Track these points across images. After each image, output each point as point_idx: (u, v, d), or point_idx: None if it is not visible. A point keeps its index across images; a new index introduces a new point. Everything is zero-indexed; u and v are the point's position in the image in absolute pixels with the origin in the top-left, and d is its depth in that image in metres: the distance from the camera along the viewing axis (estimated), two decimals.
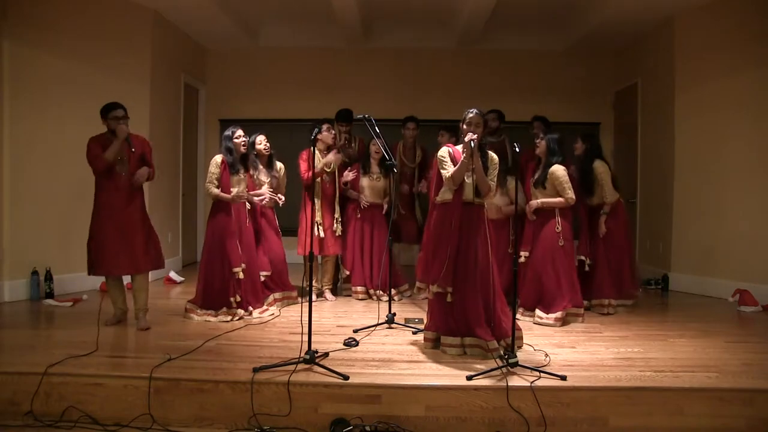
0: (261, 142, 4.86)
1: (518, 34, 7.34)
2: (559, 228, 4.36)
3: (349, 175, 5.18)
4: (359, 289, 5.22)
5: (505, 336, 3.48)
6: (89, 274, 4.08)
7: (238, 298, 4.36)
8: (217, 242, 4.35)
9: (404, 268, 6.21)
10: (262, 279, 4.70)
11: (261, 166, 4.87)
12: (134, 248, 4.03)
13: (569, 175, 4.44)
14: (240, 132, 4.47)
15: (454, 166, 3.50)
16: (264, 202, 4.68)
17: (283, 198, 4.84)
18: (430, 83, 7.50)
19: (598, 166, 4.78)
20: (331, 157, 5.04)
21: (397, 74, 7.54)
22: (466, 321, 3.49)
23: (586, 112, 7.47)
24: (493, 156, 3.64)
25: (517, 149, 3.41)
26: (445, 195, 3.58)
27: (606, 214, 4.75)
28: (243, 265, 4.37)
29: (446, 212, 3.56)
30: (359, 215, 5.24)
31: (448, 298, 3.51)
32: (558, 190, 4.36)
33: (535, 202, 4.46)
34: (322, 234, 5.07)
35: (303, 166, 5.06)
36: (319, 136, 4.93)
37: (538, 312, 4.36)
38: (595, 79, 7.52)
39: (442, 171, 3.56)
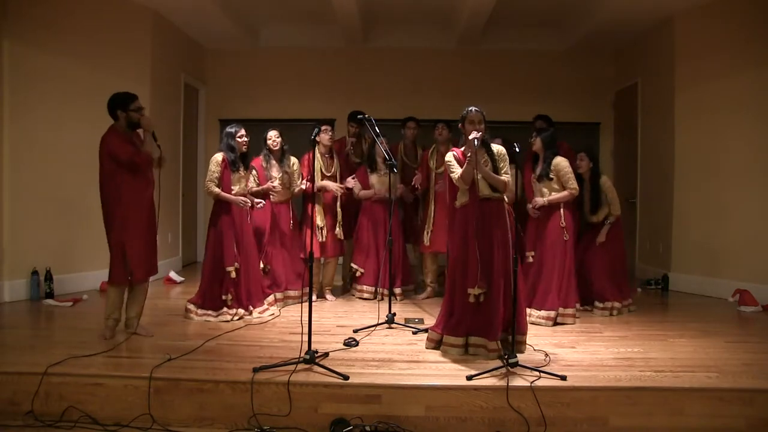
0: (271, 137, 4.87)
1: (518, 34, 7.34)
2: (563, 223, 4.36)
3: (350, 182, 5.17)
4: (367, 288, 5.23)
5: (522, 332, 3.50)
6: (134, 279, 3.77)
7: (230, 297, 4.34)
8: (217, 242, 4.36)
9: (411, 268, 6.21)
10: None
11: (273, 161, 4.89)
12: (156, 251, 3.93)
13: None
14: (243, 131, 4.47)
15: (461, 167, 3.50)
16: (259, 206, 4.70)
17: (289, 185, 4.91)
18: (430, 83, 7.50)
19: (606, 181, 4.78)
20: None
21: (397, 74, 7.53)
22: (485, 319, 3.47)
23: (586, 112, 7.48)
24: (500, 149, 3.62)
25: (517, 149, 3.41)
26: (462, 198, 3.58)
27: (611, 224, 4.75)
28: (237, 265, 4.36)
29: (466, 214, 3.55)
30: (368, 213, 5.28)
31: (481, 298, 3.48)
32: (562, 181, 4.36)
33: (541, 200, 4.44)
34: (321, 238, 5.07)
35: (304, 173, 5.07)
36: (318, 138, 4.94)
37: (531, 310, 4.37)
38: (595, 79, 7.52)
39: (451, 175, 3.56)
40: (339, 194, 5.11)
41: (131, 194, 3.73)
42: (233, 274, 4.34)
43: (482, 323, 3.48)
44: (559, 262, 4.34)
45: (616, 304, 4.70)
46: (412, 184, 5.30)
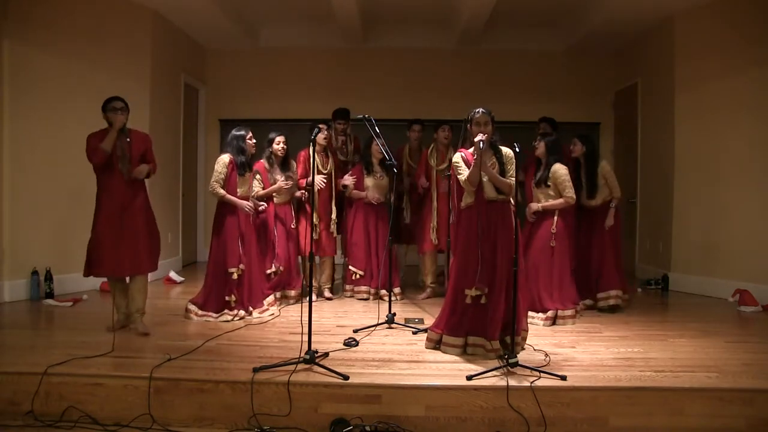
0: (279, 142, 4.89)
1: (518, 34, 7.34)
2: (554, 229, 4.36)
3: (348, 180, 5.17)
4: (362, 288, 5.22)
5: (520, 332, 3.50)
6: (85, 275, 3.90)
7: (234, 297, 4.35)
8: (221, 244, 4.35)
9: (408, 268, 6.22)
10: (272, 272, 4.82)
11: (276, 166, 4.91)
12: (135, 249, 3.88)
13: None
14: (251, 134, 4.49)
15: (469, 168, 3.50)
16: (261, 209, 4.70)
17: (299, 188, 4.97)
18: (430, 83, 7.50)
19: (605, 165, 4.82)
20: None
21: (397, 74, 7.54)
22: (485, 320, 3.46)
23: (586, 112, 7.48)
24: (508, 152, 3.59)
25: (518, 149, 3.41)
26: (467, 199, 3.58)
27: (615, 207, 4.76)
28: (242, 266, 4.36)
29: (471, 215, 3.55)
30: (364, 213, 5.23)
31: (482, 300, 3.48)
32: (559, 189, 4.37)
33: (536, 206, 4.47)
34: (315, 236, 5.08)
35: (299, 170, 5.09)
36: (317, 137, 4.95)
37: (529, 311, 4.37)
38: (595, 79, 7.52)
39: (458, 176, 3.56)
40: (323, 186, 5.11)
41: (102, 190, 3.90)
42: (234, 276, 4.34)
43: (482, 323, 3.48)
44: (546, 266, 4.35)
45: (620, 293, 4.72)
46: (419, 185, 5.29)
